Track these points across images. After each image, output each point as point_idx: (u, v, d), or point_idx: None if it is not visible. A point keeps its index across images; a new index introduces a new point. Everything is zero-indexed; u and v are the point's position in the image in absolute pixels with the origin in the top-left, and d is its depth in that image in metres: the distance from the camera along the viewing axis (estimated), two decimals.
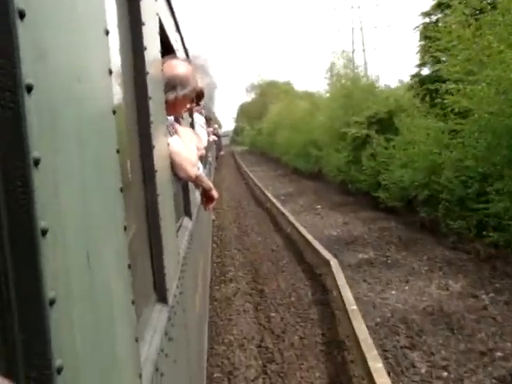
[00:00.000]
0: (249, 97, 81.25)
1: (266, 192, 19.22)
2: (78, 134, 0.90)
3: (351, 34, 49.34)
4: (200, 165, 3.10)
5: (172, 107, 2.58)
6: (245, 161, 44.22)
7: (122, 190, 1.23)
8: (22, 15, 0.69)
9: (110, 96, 1.20)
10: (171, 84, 2.54)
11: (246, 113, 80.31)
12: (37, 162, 0.69)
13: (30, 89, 0.69)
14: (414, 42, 16.10)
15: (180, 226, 3.32)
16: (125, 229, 1.24)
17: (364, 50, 47.28)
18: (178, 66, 2.73)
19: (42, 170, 0.71)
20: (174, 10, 3.81)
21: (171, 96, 2.57)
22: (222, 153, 46.46)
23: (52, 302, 0.71)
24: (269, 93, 66.68)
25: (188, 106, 3.02)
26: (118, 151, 1.21)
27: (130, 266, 1.26)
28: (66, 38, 0.89)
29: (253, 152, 60.16)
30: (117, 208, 1.20)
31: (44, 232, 0.70)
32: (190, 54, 5.22)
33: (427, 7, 14.45)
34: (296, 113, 31.51)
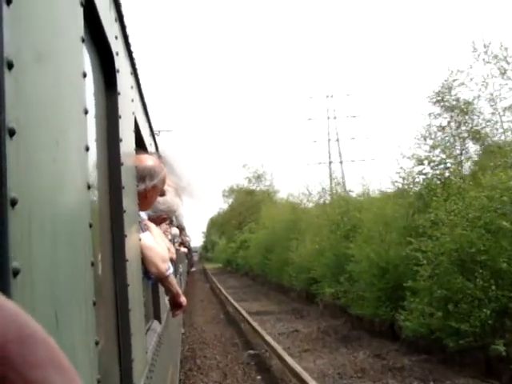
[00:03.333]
0: (226, 203, 65.65)
1: None
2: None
3: (327, 144, 48.88)
4: (170, 265, 3.09)
5: (143, 199, 2.62)
6: (228, 287, 27.51)
7: (92, 264, 1.23)
8: (11, 133, 0.72)
9: (84, 199, 1.21)
10: (140, 175, 2.60)
11: (220, 225, 67.34)
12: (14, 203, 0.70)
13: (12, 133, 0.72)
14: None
15: (149, 329, 3.23)
16: (94, 304, 1.22)
17: (341, 162, 46.54)
18: (147, 159, 2.82)
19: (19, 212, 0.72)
20: (150, 115, 3.96)
21: (141, 187, 2.63)
22: (193, 269, 39.81)
23: None
24: (259, 193, 52.99)
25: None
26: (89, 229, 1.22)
27: (97, 343, 1.23)
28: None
29: (232, 272, 45.81)
30: (87, 283, 1.19)
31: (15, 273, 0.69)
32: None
33: None
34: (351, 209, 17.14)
